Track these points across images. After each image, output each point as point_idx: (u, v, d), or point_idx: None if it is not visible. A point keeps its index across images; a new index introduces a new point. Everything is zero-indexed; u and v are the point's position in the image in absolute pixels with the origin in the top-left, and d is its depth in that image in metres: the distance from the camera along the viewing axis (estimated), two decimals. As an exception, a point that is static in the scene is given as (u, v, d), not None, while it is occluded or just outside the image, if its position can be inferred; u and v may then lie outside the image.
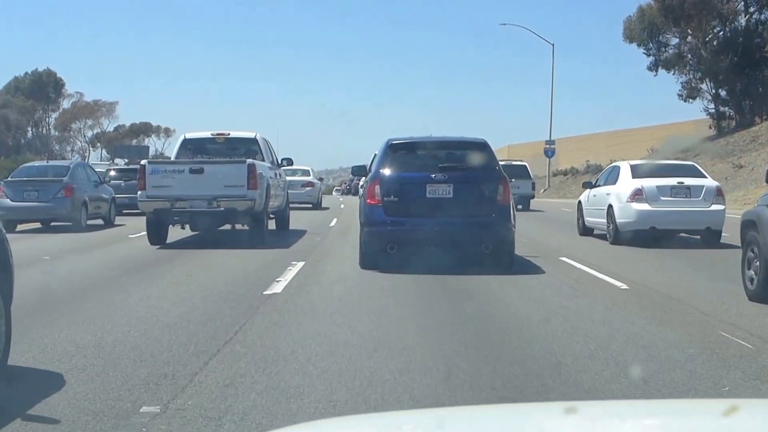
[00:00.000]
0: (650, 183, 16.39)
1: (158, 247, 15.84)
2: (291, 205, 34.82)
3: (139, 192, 15.99)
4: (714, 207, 16.19)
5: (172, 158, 18.25)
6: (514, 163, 35.45)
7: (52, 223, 21.26)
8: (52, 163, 24.06)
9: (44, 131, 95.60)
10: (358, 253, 12.46)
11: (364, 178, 14.32)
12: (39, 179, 21.27)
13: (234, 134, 18.86)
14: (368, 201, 12.28)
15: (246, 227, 16.74)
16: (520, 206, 30.62)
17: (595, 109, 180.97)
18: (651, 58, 50.92)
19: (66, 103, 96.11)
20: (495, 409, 2.89)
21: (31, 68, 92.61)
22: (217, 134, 18.68)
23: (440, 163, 12.40)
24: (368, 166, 13.92)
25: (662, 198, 16.21)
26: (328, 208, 33.25)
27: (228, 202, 15.73)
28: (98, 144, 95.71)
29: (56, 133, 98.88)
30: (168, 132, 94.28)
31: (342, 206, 29.41)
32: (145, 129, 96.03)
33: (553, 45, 50.30)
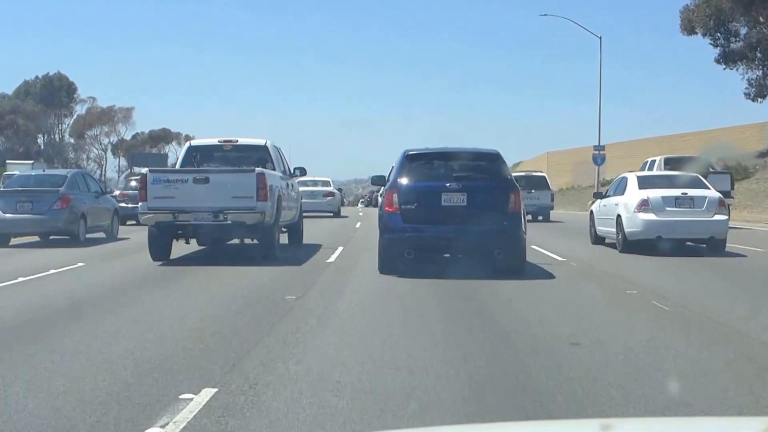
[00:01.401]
0: (656, 194, 17.94)
1: (160, 263, 15.52)
2: (313, 214, 37.81)
3: (140, 203, 15.77)
4: (717, 217, 17.74)
5: (177, 167, 18.01)
6: (533, 173, 37.41)
7: (51, 237, 21.00)
8: (48, 171, 23.72)
9: (57, 138, 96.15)
10: (377, 258, 13.92)
11: (382, 188, 15.63)
12: (33, 190, 20.96)
13: (243, 141, 18.57)
14: (387, 209, 13.73)
15: (256, 241, 16.51)
16: (540, 217, 33.46)
17: (645, 112, 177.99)
18: (718, 50, 47.30)
19: (80, 109, 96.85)
20: (531, 427, 3.17)
21: (41, 73, 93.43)
22: (225, 141, 18.40)
23: (455, 173, 13.88)
24: (387, 176, 15.12)
25: (667, 208, 17.72)
26: (347, 217, 37.30)
27: (236, 215, 15.40)
28: (119, 152, 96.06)
29: (72, 141, 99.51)
30: (188, 139, 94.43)
31: (358, 225, 28.71)
32: (164, 136, 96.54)
33: (600, 38, 48.97)
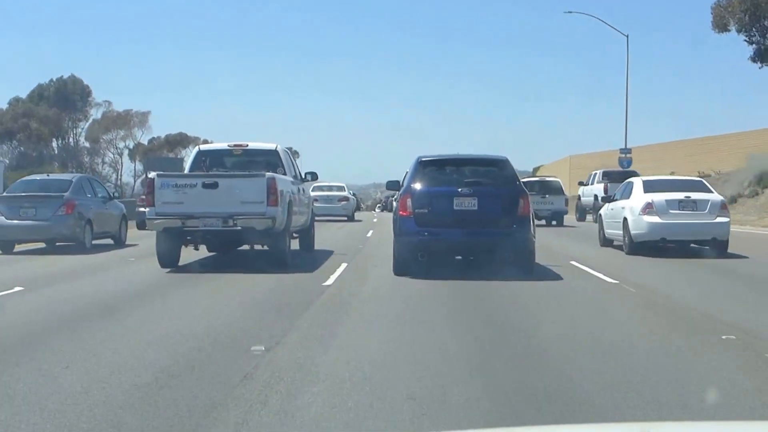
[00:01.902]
0: (660, 197, 19.00)
1: (168, 270, 15.46)
2: (328, 218, 39.91)
3: (147, 209, 15.71)
4: (719, 219, 18.77)
5: (186, 172, 17.95)
6: (547, 179, 38.76)
7: (57, 243, 20.81)
8: (53, 176, 23.55)
9: (72, 142, 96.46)
10: (392, 260, 14.69)
11: (397, 193, 16.39)
12: (37, 195, 20.76)
13: (253, 145, 18.56)
14: (401, 213, 14.59)
15: (266, 248, 16.44)
16: (554, 222, 34.60)
17: (673, 114, 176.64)
18: (753, 47, 45.43)
19: (96, 113, 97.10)
20: (570, 430, 3.29)
21: (56, 76, 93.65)
22: (235, 146, 18.44)
23: (466, 178, 14.87)
24: (401, 182, 15.82)
25: (671, 211, 18.77)
26: (361, 221, 38.97)
27: (245, 220, 15.32)
28: (135, 157, 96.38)
29: (87, 145, 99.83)
30: (205, 143, 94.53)
31: (370, 233, 28.35)
32: (181, 140, 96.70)
33: (627, 36, 48.34)
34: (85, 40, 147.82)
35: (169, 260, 15.91)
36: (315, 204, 40.21)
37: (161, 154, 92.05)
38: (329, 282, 13.60)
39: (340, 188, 40.73)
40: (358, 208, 54.81)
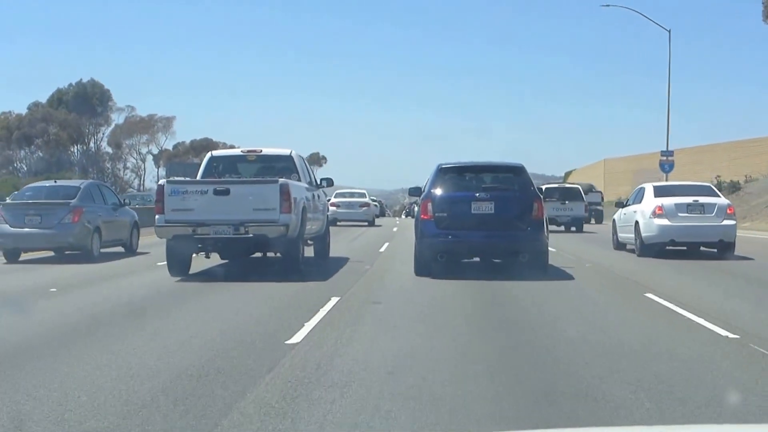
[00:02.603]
0: (669, 201, 20.60)
1: (177, 279, 15.40)
2: (349, 223, 43.04)
3: (156, 216, 15.67)
4: (726, 222, 20.33)
5: (198, 178, 17.93)
6: (566, 185, 41.46)
7: (67, 252, 20.67)
8: (60, 183, 23.28)
9: (93, 147, 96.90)
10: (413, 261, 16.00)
11: (419, 198, 17.58)
12: (43, 202, 20.58)
13: (267, 151, 18.69)
14: (422, 216, 15.96)
15: (279, 255, 16.52)
16: (573, 228, 36.34)
17: (715, 115, 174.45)
18: None
19: (118, 118, 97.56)
20: None
21: (75, 80, 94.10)
22: (248, 151, 18.64)
23: (483, 184, 16.35)
24: (422, 187, 17.15)
25: (680, 214, 20.31)
26: (381, 226, 42.85)
27: (258, 228, 15.33)
28: (159, 162, 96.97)
29: (109, 150, 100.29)
30: (231, 148, 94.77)
31: (384, 247, 28.04)
32: (206, 146, 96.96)
33: (669, 31, 47.08)
34: (108, 45, 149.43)
35: (179, 269, 15.87)
36: (337, 209, 43.80)
37: (186, 159, 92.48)
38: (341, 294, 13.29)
39: (362, 194, 44.76)
40: (383, 214, 57.77)
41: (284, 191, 15.35)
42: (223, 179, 16.78)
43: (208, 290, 13.99)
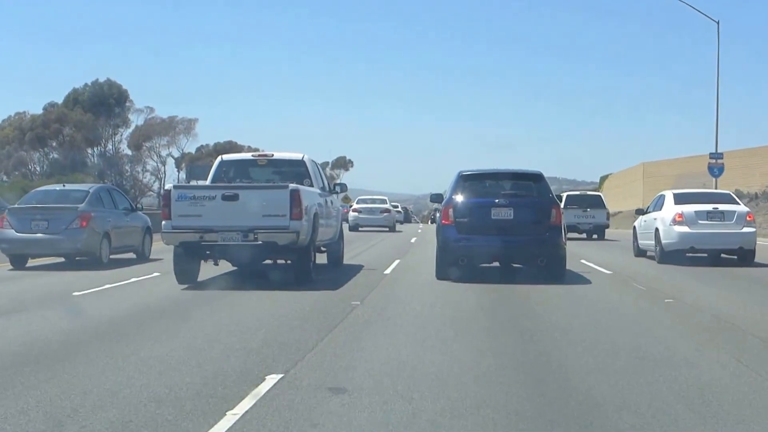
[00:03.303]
0: (689, 208, 21.45)
1: (184, 287, 15.51)
2: (370, 228, 45.70)
3: (163, 222, 15.73)
4: (745, 229, 21.15)
5: (208, 183, 18.06)
6: (588, 193, 43.17)
7: (77, 258, 20.75)
8: (69, 186, 23.39)
9: (111, 149, 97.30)
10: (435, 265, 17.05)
11: (438, 204, 18.88)
12: (50, 206, 20.61)
13: (278, 155, 18.80)
14: (443, 222, 16.95)
15: (290, 262, 16.57)
16: (595, 236, 37.28)
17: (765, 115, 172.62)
18: None
19: (137, 119, 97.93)
20: None
21: (91, 80, 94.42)
22: (259, 155, 18.84)
23: (503, 190, 17.35)
24: (444, 194, 18.38)
25: (700, 221, 21.19)
26: (401, 231, 45.84)
27: (267, 235, 15.35)
28: (181, 165, 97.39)
29: (129, 152, 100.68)
30: (256, 152, 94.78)
31: (392, 268, 27.81)
32: (230, 149, 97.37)
33: (717, 23, 45.83)
34: (128, 46, 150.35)
35: (186, 276, 16.00)
36: (359, 215, 46.82)
37: (209, 162, 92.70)
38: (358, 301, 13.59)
39: (383, 201, 48.23)
40: (409, 221, 59.91)
41: (295, 197, 15.38)
42: (231, 184, 16.86)
43: (212, 300, 13.96)
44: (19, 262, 20.45)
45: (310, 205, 16.24)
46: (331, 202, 19.26)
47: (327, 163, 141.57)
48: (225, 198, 15.40)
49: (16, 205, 21.67)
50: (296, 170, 18.08)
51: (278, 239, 15.33)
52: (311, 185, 17.64)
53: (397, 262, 19.71)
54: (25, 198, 22.35)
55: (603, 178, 78.08)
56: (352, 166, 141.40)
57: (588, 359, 8.42)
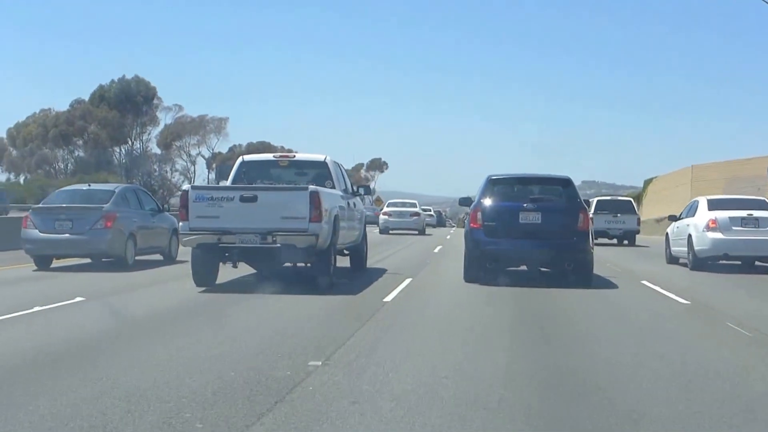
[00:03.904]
0: (723, 215, 21.92)
1: (201, 290, 15.75)
2: (400, 231, 47.74)
3: (180, 223, 16.15)
4: None
5: (228, 184, 18.33)
6: (619, 198, 43.99)
7: (103, 259, 21.06)
8: (94, 186, 23.73)
9: (139, 147, 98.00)
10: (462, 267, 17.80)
11: (467, 208, 19.52)
12: (74, 206, 20.94)
13: (300, 157, 19.33)
14: (471, 225, 17.81)
15: (309, 266, 16.74)
16: (626, 241, 38.08)
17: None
18: None
19: (165, 117, 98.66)
20: None
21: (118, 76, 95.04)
22: (281, 156, 19.27)
23: (531, 195, 18.09)
24: (473, 198, 18.88)
25: (734, 228, 21.63)
26: (431, 235, 49.28)
27: (285, 237, 15.57)
28: (213, 165, 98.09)
29: (157, 151, 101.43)
30: (290, 153, 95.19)
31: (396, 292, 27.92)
32: (263, 149, 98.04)
33: None
34: (156, 44, 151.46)
35: (204, 278, 16.28)
36: (389, 218, 48.60)
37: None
38: (388, 298, 14.52)
39: (413, 204, 51.31)
40: (443, 224, 61.59)
41: (314, 199, 15.58)
42: (249, 185, 17.06)
43: (228, 303, 14.16)
44: (43, 262, 20.78)
45: (331, 207, 16.43)
46: (354, 205, 19.57)
47: (361, 165, 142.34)
48: (243, 199, 15.66)
49: (40, 205, 22.04)
50: (318, 172, 18.36)
51: (297, 242, 15.54)
52: (333, 187, 17.87)
53: (407, 281, 17.67)
54: (50, 198, 22.64)
55: (647, 182, 77.51)
56: (387, 168, 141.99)
57: (616, 368, 8.56)
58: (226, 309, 13.28)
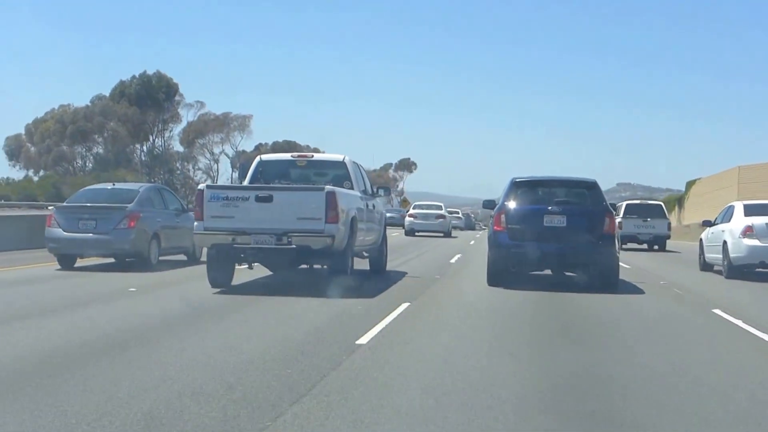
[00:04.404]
0: (760, 220, 21.64)
1: (216, 291, 16.09)
2: (426, 233, 49.41)
3: (195, 223, 16.49)
4: None
5: (246, 183, 18.80)
6: (649, 202, 44.16)
7: (127, 259, 21.64)
8: (118, 185, 24.38)
9: (161, 145, 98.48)
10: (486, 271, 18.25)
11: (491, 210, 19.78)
12: (98, 206, 21.53)
13: (318, 157, 19.85)
14: (495, 228, 18.16)
15: (326, 267, 17.09)
16: (656, 246, 38.09)
17: None
18: None
19: (187, 114, 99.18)
20: None
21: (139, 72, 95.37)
22: (299, 156, 19.60)
23: (556, 197, 18.47)
24: (497, 200, 19.32)
25: None
26: (456, 237, 52.10)
27: (301, 238, 15.88)
28: (237, 164, 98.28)
29: (181, 149, 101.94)
30: (316, 152, 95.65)
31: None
32: (289, 148, 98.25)
33: None
34: (180, 40, 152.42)
35: (219, 279, 16.59)
36: (414, 220, 50.34)
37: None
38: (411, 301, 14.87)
39: (438, 207, 53.39)
40: (472, 227, 63.28)
41: (330, 199, 15.84)
42: (265, 185, 17.36)
43: (240, 305, 14.31)
44: (66, 262, 21.36)
45: (348, 208, 16.70)
46: (373, 206, 19.88)
47: (390, 165, 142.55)
48: (259, 199, 15.97)
49: (65, 204, 22.62)
50: (337, 172, 18.70)
51: (312, 243, 15.81)
52: (351, 188, 18.16)
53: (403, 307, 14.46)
54: (74, 197, 23.22)
55: (690, 184, 76.94)
56: (415, 168, 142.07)
57: (639, 378, 8.68)
58: (230, 314, 13.29)
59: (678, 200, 79.41)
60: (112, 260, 22.09)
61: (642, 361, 9.76)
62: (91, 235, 20.88)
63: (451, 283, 19.45)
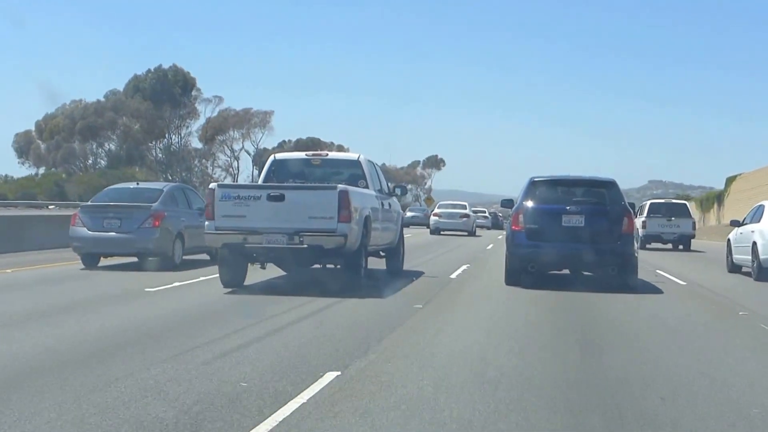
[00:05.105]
0: None
1: (227, 291, 16.75)
2: (450, 232, 52.60)
3: (206, 222, 17.04)
4: None
5: (260, 182, 19.47)
6: (673, 201, 44.37)
7: (150, 258, 22.44)
8: (142, 185, 25.54)
9: (178, 142, 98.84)
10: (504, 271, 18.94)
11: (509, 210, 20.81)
12: (123, 205, 22.46)
13: (333, 155, 20.52)
14: (513, 227, 18.85)
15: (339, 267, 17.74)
16: (680, 246, 38.84)
17: None
18: None
19: (204, 109, 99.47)
20: None
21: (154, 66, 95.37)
22: (313, 155, 20.26)
23: (574, 197, 19.21)
24: (515, 200, 20.04)
25: None
26: (480, 236, 54.47)
27: (313, 238, 16.37)
28: (259, 161, 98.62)
29: (200, 146, 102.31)
30: (341, 150, 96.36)
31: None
32: (312, 146, 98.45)
33: None
34: (198, 35, 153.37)
35: (231, 279, 17.28)
36: (439, 219, 53.24)
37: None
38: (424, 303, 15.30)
39: (463, 206, 56.76)
40: (499, 227, 65.87)
41: (343, 198, 16.30)
42: (277, 184, 17.84)
43: (250, 305, 14.78)
44: (90, 260, 22.43)
45: (362, 207, 17.16)
46: (390, 205, 20.51)
47: (417, 162, 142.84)
48: (271, 198, 16.45)
49: (89, 203, 23.63)
50: (352, 171, 19.30)
51: (324, 242, 16.30)
52: (366, 187, 18.73)
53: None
54: (99, 196, 24.30)
55: (730, 179, 76.40)
56: (444, 165, 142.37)
57: (659, 383, 8.81)
58: (239, 315, 13.60)
59: (717, 197, 79.13)
60: (133, 259, 22.94)
61: (666, 364, 9.98)
62: (115, 234, 21.89)
63: (470, 280, 20.48)
